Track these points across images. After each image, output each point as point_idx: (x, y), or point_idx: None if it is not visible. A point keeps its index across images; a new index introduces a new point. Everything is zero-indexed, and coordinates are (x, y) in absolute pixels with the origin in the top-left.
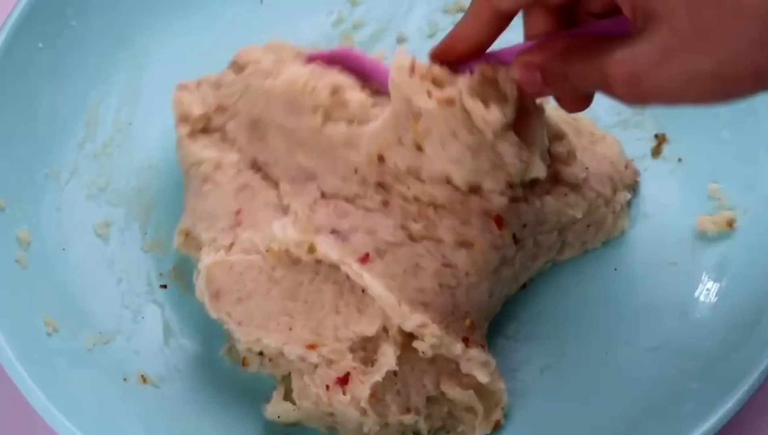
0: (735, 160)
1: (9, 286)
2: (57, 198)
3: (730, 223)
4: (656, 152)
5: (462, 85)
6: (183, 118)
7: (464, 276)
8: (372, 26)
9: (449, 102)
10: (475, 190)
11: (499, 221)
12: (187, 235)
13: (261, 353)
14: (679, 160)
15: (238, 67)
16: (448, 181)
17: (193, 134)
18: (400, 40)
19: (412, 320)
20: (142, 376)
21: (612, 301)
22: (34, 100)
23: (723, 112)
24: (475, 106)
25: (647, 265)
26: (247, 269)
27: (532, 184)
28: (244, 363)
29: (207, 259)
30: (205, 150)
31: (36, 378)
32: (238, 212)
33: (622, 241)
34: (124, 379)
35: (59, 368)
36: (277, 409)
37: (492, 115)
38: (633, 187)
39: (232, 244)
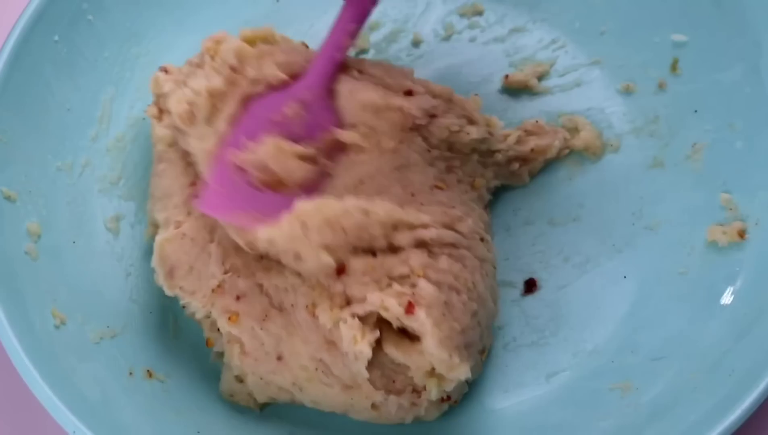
0: (748, 171)
1: (18, 277)
2: (68, 191)
3: (742, 234)
4: None
5: None
6: (156, 99)
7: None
8: (387, 27)
9: None
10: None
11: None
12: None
13: (218, 330)
14: (692, 169)
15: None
16: None
17: (161, 114)
18: (416, 42)
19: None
20: (148, 370)
21: (620, 309)
22: (48, 93)
23: (738, 122)
24: None
25: (657, 275)
26: (199, 233)
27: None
28: (208, 344)
29: (158, 237)
30: (163, 129)
31: (42, 370)
32: (192, 184)
33: (633, 249)
34: (130, 373)
35: (65, 361)
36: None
37: None
38: None
39: (189, 214)
